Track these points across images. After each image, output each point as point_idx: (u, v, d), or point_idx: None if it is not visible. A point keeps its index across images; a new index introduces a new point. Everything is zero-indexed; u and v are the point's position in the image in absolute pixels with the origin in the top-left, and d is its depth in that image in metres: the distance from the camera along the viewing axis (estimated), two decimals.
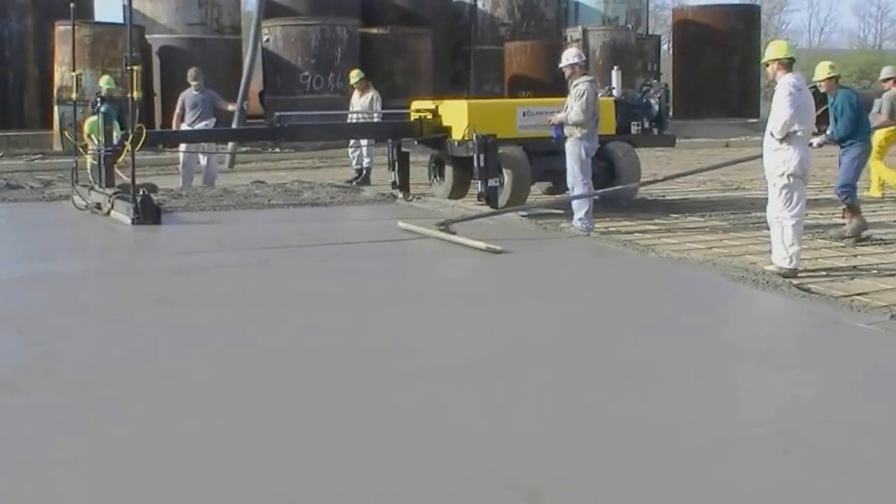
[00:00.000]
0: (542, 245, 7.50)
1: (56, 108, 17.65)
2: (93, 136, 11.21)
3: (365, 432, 3.25)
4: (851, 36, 67.06)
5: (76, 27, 17.89)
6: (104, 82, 12.24)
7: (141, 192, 8.36)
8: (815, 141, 8.48)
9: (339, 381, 3.84)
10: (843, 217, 8.32)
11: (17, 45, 20.12)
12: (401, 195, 10.34)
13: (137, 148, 8.64)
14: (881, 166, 11.12)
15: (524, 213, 9.17)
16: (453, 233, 7.00)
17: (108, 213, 8.80)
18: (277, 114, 10.11)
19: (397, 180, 10.82)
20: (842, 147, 8.22)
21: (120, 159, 9.20)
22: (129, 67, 8.58)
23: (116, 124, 10.11)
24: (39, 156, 16.60)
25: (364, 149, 12.78)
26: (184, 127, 11.54)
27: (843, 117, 8.07)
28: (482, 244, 6.46)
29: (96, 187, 9.49)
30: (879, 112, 10.65)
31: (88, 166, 11.37)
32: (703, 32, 25.82)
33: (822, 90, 8.34)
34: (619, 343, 4.50)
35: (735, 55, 25.40)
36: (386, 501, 2.72)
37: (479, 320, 4.99)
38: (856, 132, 8.14)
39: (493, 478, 2.86)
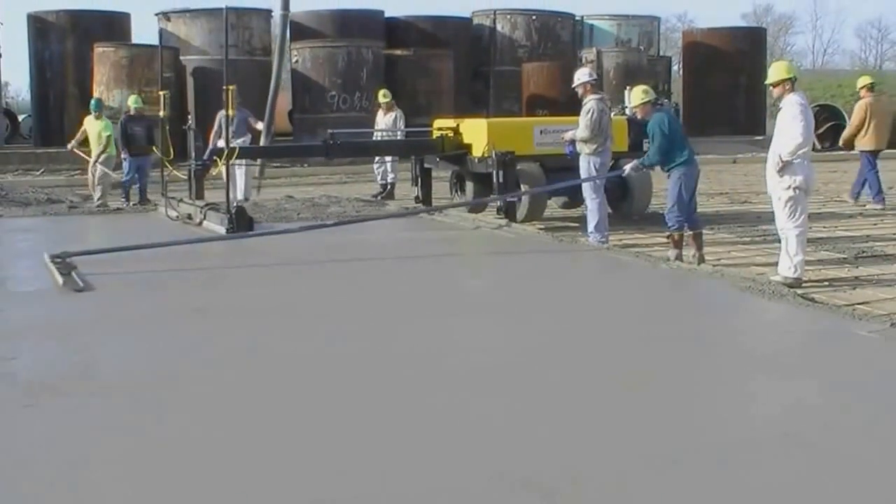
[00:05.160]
0: (559, 257, 7.63)
1: None
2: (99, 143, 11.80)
3: (389, 434, 3.36)
4: (853, 57, 67.21)
5: (113, 48, 18.81)
6: (132, 101, 12.87)
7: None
8: (627, 168, 8.25)
9: (365, 386, 3.95)
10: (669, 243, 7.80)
11: (58, 65, 20.77)
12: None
13: (231, 162, 9.07)
14: None
15: (541, 227, 9.52)
16: (74, 266, 6.50)
17: (200, 223, 8.90)
18: (330, 132, 10.59)
19: (420, 195, 11.24)
20: (666, 171, 7.80)
21: (214, 171, 9.67)
22: (225, 88, 8.94)
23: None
24: (79, 172, 17.21)
25: (388, 165, 13.21)
26: (220, 144, 12.09)
27: (654, 143, 7.67)
28: (61, 279, 6.10)
29: (185, 199, 9.77)
30: None
31: (90, 179, 11.92)
32: (711, 54, 26.27)
33: (638, 116, 8.12)
34: (631, 349, 4.57)
35: (742, 75, 25.78)
36: (409, 499, 2.82)
37: (498, 328, 5.09)
38: (669, 156, 7.63)
39: (510, 477, 2.93)
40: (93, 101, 12.79)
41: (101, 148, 11.91)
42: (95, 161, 11.93)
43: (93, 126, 12.11)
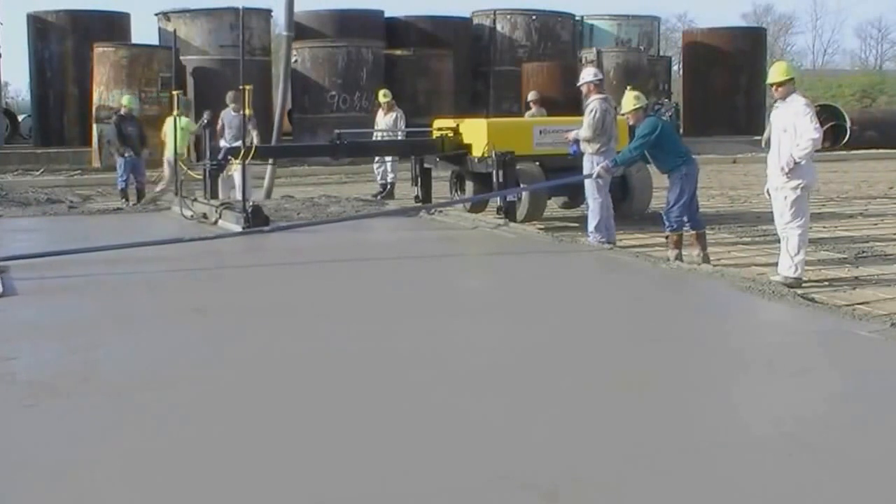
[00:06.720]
0: (559, 257, 7.64)
1: (94, 127, 18.34)
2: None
3: (389, 434, 3.36)
4: (853, 57, 67.57)
5: (113, 48, 18.81)
6: (126, 101, 12.83)
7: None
8: (598, 168, 8.28)
9: (364, 386, 3.95)
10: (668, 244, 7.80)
11: (58, 65, 20.82)
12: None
13: (247, 161, 9.18)
14: None
15: (541, 227, 9.51)
16: (2, 270, 6.38)
17: (216, 222, 8.94)
18: (337, 132, 10.62)
19: (420, 195, 11.26)
20: (665, 174, 7.89)
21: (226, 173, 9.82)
22: (241, 88, 9.04)
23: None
24: (79, 172, 17.20)
25: (388, 164, 13.25)
26: (222, 143, 12.04)
27: (632, 142, 7.83)
28: None
29: (199, 198, 9.86)
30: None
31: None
32: (711, 54, 26.34)
33: (630, 123, 8.15)
34: (631, 349, 4.59)
35: (742, 75, 25.87)
36: (409, 500, 2.83)
37: (497, 328, 5.10)
38: (663, 161, 7.74)
39: (511, 478, 2.94)
40: (184, 100, 12.79)
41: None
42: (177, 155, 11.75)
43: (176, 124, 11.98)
